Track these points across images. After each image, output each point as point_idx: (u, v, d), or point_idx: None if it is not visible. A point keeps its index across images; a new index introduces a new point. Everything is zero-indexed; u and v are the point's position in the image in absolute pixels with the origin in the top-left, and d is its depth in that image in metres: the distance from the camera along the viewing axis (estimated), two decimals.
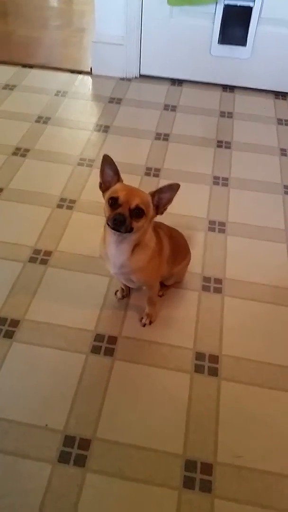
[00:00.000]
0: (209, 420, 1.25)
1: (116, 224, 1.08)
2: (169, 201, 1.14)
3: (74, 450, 1.18)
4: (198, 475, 1.15)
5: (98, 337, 1.41)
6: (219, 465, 1.17)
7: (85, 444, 1.19)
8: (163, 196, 1.13)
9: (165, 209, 1.16)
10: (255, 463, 1.18)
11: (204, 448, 1.20)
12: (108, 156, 1.14)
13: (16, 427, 1.20)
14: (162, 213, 1.17)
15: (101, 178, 1.16)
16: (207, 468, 1.16)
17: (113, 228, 1.10)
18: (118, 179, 1.14)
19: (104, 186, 1.15)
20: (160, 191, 1.12)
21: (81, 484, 1.12)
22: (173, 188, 1.11)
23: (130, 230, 1.10)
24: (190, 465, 1.17)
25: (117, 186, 1.13)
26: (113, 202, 1.09)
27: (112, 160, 1.13)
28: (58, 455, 1.16)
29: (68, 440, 1.19)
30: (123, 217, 1.07)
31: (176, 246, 1.41)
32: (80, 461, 1.16)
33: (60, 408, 1.25)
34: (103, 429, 1.22)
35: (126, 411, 1.26)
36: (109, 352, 1.38)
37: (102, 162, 1.14)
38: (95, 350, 1.38)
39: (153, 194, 1.13)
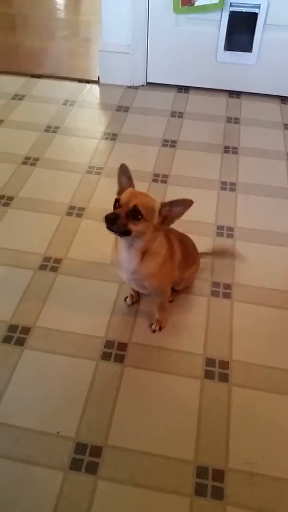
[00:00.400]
0: (220, 426, 1.25)
1: (108, 223, 1.07)
2: (179, 215, 1.13)
3: (86, 457, 1.18)
4: (210, 482, 1.14)
5: (108, 344, 1.42)
6: (230, 472, 1.17)
7: (96, 451, 1.19)
8: (174, 210, 1.12)
9: (172, 222, 1.15)
10: (267, 470, 1.17)
11: (216, 454, 1.20)
12: (124, 164, 1.17)
13: (27, 435, 1.21)
14: (168, 225, 1.16)
15: (119, 185, 1.18)
16: (219, 475, 1.16)
17: (107, 228, 1.09)
18: (131, 184, 1.17)
19: (120, 193, 1.18)
20: (172, 203, 1.12)
21: (93, 492, 1.12)
22: (186, 204, 1.11)
23: (126, 232, 1.10)
24: (201, 471, 1.16)
25: (127, 190, 1.15)
26: (116, 204, 1.11)
27: (127, 168, 1.17)
28: (69, 462, 1.17)
29: (80, 447, 1.19)
30: (116, 215, 1.07)
31: (187, 251, 1.41)
32: (92, 468, 1.16)
33: (71, 415, 1.25)
34: (114, 436, 1.22)
35: (137, 418, 1.26)
36: (119, 359, 1.38)
37: (119, 171, 1.18)
38: (106, 356, 1.39)
39: (164, 205, 1.13)
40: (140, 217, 1.09)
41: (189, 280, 1.54)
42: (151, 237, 1.17)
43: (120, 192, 1.18)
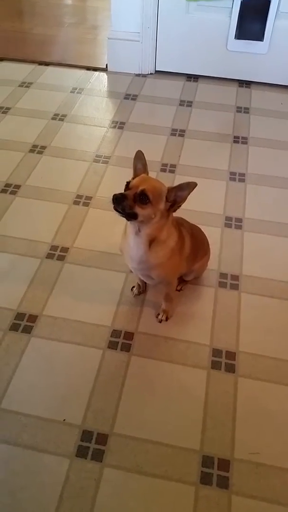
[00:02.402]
0: (226, 416, 1.25)
1: (115, 202, 1.08)
2: (184, 199, 1.14)
3: (92, 445, 1.18)
4: (215, 471, 1.15)
5: (115, 333, 1.42)
6: (236, 461, 1.17)
7: (102, 439, 1.20)
8: (179, 194, 1.13)
9: (178, 207, 1.16)
10: (273, 460, 1.17)
11: (221, 444, 1.20)
12: (140, 151, 1.17)
13: (34, 422, 1.22)
14: (175, 210, 1.17)
15: (134, 172, 1.18)
16: (225, 464, 1.16)
17: (114, 208, 1.10)
18: (145, 171, 1.17)
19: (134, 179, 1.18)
20: (178, 187, 1.12)
21: (99, 479, 1.13)
22: (190, 186, 1.11)
23: (133, 215, 1.10)
24: (207, 461, 1.16)
25: (140, 176, 1.15)
26: (126, 186, 1.12)
27: (142, 154, 1.17)
28: (76, 450, 1.17)
29: (86, 435, 1.20)
30: (123, 196, 1.08)
31: (197, 243, 1.41)
32: (98, 456, 1.16)
33: (78, 403, 1.26)
34: (121, 424, 1.22)
35: (143, 407, 1.26)
36: (126, 348, 1.38)
37: (135, 157, 1.18)
38: (112, 345, 1.39)
39: (171, 190, 1.13)
40: (147, 201, 1.09)
41: (199, 271, 1.53)
42: (159, 224, 1.17)
43: (134, 178, 1.17)
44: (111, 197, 1.09)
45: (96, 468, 1.14)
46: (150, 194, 1.09)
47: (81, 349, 1.38)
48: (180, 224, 1.31)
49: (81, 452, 1.17)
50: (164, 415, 1.25)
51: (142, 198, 1.09)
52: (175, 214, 1.22)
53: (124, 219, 1.15)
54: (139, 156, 1.17)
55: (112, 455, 1.17)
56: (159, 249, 1.22)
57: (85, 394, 1.27)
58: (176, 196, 1.13)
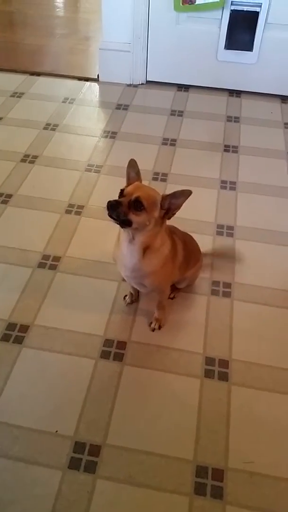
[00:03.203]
0: (220, 425, 1.24)
1: (109, 209, 1.09)
2: (178, 206, 1.14)
3: (85, 457, 1.17)
4: (209, 481, 1.14)
5: (107, 342, 1.41)
6: (230, 471, 1.16)
7: (95, 450, 1.18)
8: (174, 202, 1.13)
9: (173, 215, 1.17)
10: (267, 469, 1.17)
11: (215, 453, 1.19)
12: (133, 159, 1.18)
13: (26, 434, 1.20)
14: (169, 218, 1.18)
15: (127, 180, 1.19)
16: (219, 474, 1.15)
17: (108, 215, 1.10)
18: (138, 179, 1.18)
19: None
20: (173, 195, 1.13)
21: (92, 491, 1.11)
22: (185, 194, 1.12)
23: (127, 222, 1.10)
24: (201, 471, 1.15)
25: (134, 183, 1.16)
26: (120, 194, 1.12)
27: (135, 163, 1.18)
28: (68, 462, 1.16)
29: (78, 447, 1.18)
30: (118, 203, 1.09)
31: (189, 251, 1.41)
32: (91, 468, 1.15)
33: (70, 414, 1.24)
34: (113, 435, 1.21)
35: (136, 417, 1.25)
36: (119, 357, 1.37)
37: (128, 166, 1.18)
38: (105, 355, 1.38)
39: (165, 197, 1.13)
40: (141, 208, 1.09)
41: (191, 278, 1.53)
42: (153, 232, 1.17)
43: (127, 186, 1.18)
44: (106, 204, 1.09)
45: (89, 480, 1.13)
46: (144, 201, 1.10)
47: (74, 359, 1.37)
48: (173, 232, 1.31)
49: (74, 464, 1.15)
50: (157, 424, 1.24)
51: (137, 205, 1.09)
52: (167, 223, 1.22)
53: (118, 226, 1.15)
54: (132, 164, 1.18)
55: (105, 467, 1.15)
56: (153, 257, 1.22)
57: (77, 405, 1.26)
58: (170, 203, 1.14)
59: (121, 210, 1.09)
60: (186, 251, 1.37)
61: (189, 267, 1.43)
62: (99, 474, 1.14)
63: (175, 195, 1.13)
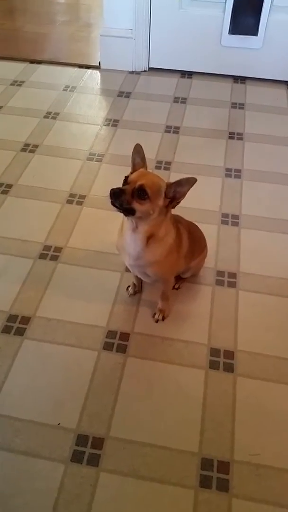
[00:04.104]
0: (225, 417, 1.22)
1: (113, 197, 1.06)
2: (183, 195, 1.11)
3: (87, 449, 1.15)
4: (215, 474, 1.12)
5: (110, 334, 1.39)
6: (236, 463, 1.14)
7: (98, 443, 1.16)
8: (179, 190, 1.10)
9: (178, 203, 1.14)
10: (273, 461, 1.14)
11: (221, 446, 1.17)
12: (138, 145, 1.14)
13: (28, 426, 1.18)
14: (174, 207, 1.14)
15: (132, 166, 1.15)
16: (224, 467, 1.13)
17: (111, 203, 1.07)
18: (143, 165, 1.14)
19: (132, 173, 1.14)
20: (178, 183, 1.09)
21: (95, 484, 1.09)
22: (190, 182, 1.09)
23: (130, 210, 1.07)
24: (206, 463, 1.13)
25: (138, 170, 1.12)
26: (124, 181, 1.09)
27: (141, 148, 1.14)
28: (71, 455, 1.14)
29: (81, 439, 1.17)
30: (122, 191, 1.06)
31: (194, 241, 1.38)
32: (94, 461, 1.13)
33: (73, 407, 1.22)
34: (117, 427, 1.19)
35: (139, 409, 1.23)
36: (122, 349, 1.35)
37: (133, 151, 1.14)
38: (107, 346, 1.35)
39: (170, 185, 1.10)
40: (145, 196, 1.06)
41: (196, 268, 1.50)
42: (157, 221, 1.14)
43: (132, 173, 1.14)
44: (109, 192, 1.06)
45: (92, 473, 1.11)
46: (148, 189, 1.06)
47: (76, 351, 1.34)
48: (178, 221, 1.28)
49: (76, 457, 1.13)
50: (162, 417, 1.22)
51: (141, 193, 1.06)
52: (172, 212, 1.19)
53: (122, 215, 1.12)
54: (138, 150, 1.14)
55: (108, 460, 1.14)
56: (157, 246, 1.19)
57: (80, 397, 1.24)
58: (175, 192, 1.11)
59: (124, 199, 1.06)
60: (191, 240, 1.34)
61: (194, 256, 1.40)
62: (102, 467, 1.12)
63: (180, 183, 1.09)
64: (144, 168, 1.14)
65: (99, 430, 1.18)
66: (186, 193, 1.11)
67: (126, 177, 1.10)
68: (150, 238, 1.17)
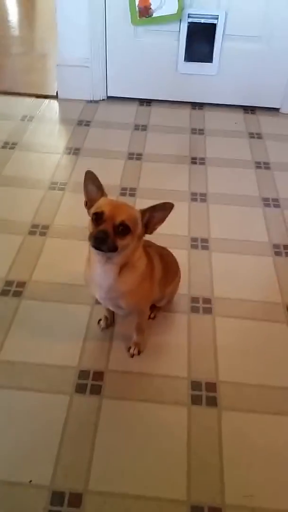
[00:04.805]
0: (213, 457, 1.13)
1: (98, 242, 0.98)
2: (161, 220, 1.05)
3: (64, 509, 1.02)
4: None
5: (83, 374, 1.28)
6: (228, 508, 1.04)
7: (76, 499, 1.04)
8: (155, 215, 1.04)
9: (155, 229, 1.07)
10: (268, 502, 1.06)
11: (210, 489, 1.07)
12: (90, 171, 1.06)
13: None
14: (151, 232, 1.08)
15: (86, 195, 1.07)
16: None
17: (94, 247, 1.00)
18: (102, 193, 1.06)
19: (89, 204, 1.06)
20: (152, 209, 1.03)
21: None
22: (167, 207, 1.03)
23: (114, 249, 1.00)
24: None
25: (102, 200, 1.04)
26: (97, 218, 1.00)
27: (94, 175, 1.05)
28: None
29: (56, 497, 1.04)
30: (106, 234, 0.97)
31: (167, 265, 1.31)
32: None
33: (45, 460, 1.10)
34: (95, 479, 1.07)
35: (120, 456, 1.12)
36: (96, 390, 1.24)
37: (85, 178, 1.06)
38: (80, 389, 1.24)
39: (144, 212, 1.04)
40: (128, 232, 0.99)
41: (171, 294, 1.43)
42: (131, 249, 1.06)
43: (89, 203, 1.06)
44: (90, 236, 0.98)
45: None
46: (130, 224, 0.99)
47: (45, 397, 1.22)
48: (148, 245, 1.21)
49: None
50: (144, 463, 1.11)
51: (124, 230, 0.99)
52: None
53: (88, 245, 1.03)
54: (90, 177, 1.05)
55: None
56: (129, 274, 1.10)
57: (52, 449, 1.11)
58: (151, 217, 1.04)
59: (110, 241, 0.97)
60: (164, 264, 1.27)
61: (168, 282, 1.34)
62: None
63: (155, 208, 1.03)
64: (105, 196, 1.06)
65: (76, 484, 1.06)
66: (164, 219, 1.05)
67: (100, 214, 0.99)
68: (123, 267, 1.09)
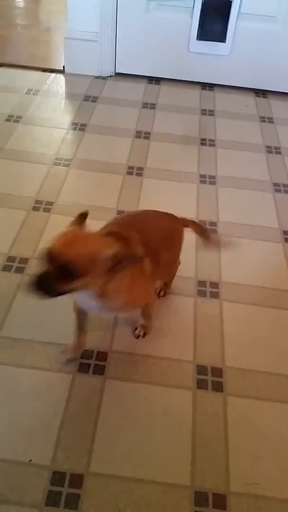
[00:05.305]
0: (218, 443, 1.10)
1: (31, 288, 0.82)
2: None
3: (65, 489, 0.99)
4: (210, 510, 0.99)
5: (86, 354, 1.24)
6: (233, 496, 1.02)
7: (77, 480, 1.01)
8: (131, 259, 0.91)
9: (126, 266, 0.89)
10: (273, 491, 1.03)
11: (215, 476, 1.04)
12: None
13: None
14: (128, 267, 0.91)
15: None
16: (220, 501, 1.01)
17: (35, 294, 0.83)
18: (80, 221, 0.93)
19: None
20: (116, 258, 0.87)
21: None
22: (131, 261, 0.91)
23: (56, 294, 0.84)
24: (200, 498, 1.01)
25: (66, 233, 0.89)
26: (47, 256, 0.83)
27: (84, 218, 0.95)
28: (46, 497, 0.98)
29: (57, 477, 1.01)
30: (41, 279, 0.81)
31: (154, 246, 1.10)
32: (73, 502, 0.98)
33: (46, 440, 1.07)
34: (97, 461, 1.04)
35: (122, 439, 1.09)
36: (99, 370, 1.21)
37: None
38: (83, 368, 1.21)
39: (108, 258, 0.86)
40: (72, 277, 0.82)
41: (173, 262, 1.31)
42: (105, 281, 0.90)
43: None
44: (26, 282, 0.84)
45: None
46: (76, 267, 0.81)
47: (47, 375, 1.19)
48: (126, 227, 1.06)
49: (52, 500, 0.98)
50: (147, 446, 1.08)
51: (65, 274, 0.81)
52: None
53: None
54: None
55: (89, 500, 0.99)
56: (116, 293, 0.96)
57: (54, 429, 1.08)
58: (124, 259, 0.87)
59: (52, 287, 0.81)
60: (149, 249, 1.06)
61: (161, 259, 1.13)
62: (82, 509, 0.97)
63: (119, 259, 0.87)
64: (75, 227, 0.90)
65: (77, 465, 1.03)
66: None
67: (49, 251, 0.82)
68: (105, 289, 0.93)
